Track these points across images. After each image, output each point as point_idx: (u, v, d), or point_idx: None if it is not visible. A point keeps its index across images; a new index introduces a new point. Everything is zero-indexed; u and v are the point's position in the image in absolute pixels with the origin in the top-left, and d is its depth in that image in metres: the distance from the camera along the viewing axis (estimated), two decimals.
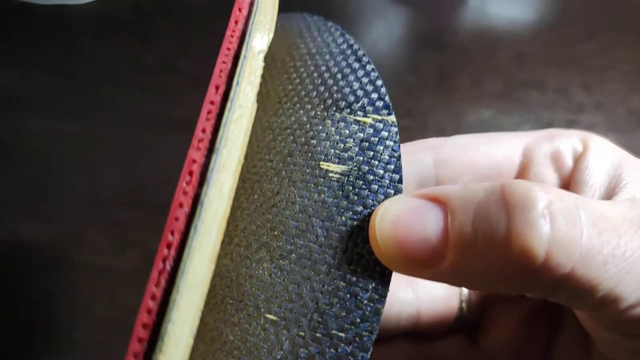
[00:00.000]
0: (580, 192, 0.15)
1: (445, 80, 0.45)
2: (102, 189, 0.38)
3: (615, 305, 0.11)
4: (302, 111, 0.14)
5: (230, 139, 0.12)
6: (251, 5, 0.14)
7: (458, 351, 0.18)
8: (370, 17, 0.51)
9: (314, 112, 0.14)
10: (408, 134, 0.40)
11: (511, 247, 0.10)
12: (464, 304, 0.19)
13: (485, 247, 0.11)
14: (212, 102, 0.12)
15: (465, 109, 0.42)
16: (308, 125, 0.13)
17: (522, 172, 0.16)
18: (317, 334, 0.11)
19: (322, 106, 0.14)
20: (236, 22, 0.13)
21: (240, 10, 0.14)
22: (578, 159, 0.16)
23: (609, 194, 0.14)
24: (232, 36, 0.13)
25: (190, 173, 0.11)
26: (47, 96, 0.44)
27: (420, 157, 0.17)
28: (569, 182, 0.16)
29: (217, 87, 0.12)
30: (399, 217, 0.12)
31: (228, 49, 0.13)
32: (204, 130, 0.12)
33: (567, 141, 0.16)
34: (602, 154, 0.15)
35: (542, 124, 0.41)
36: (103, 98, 0.43)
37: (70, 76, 0.45)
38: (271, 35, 0.14)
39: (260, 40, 0.13)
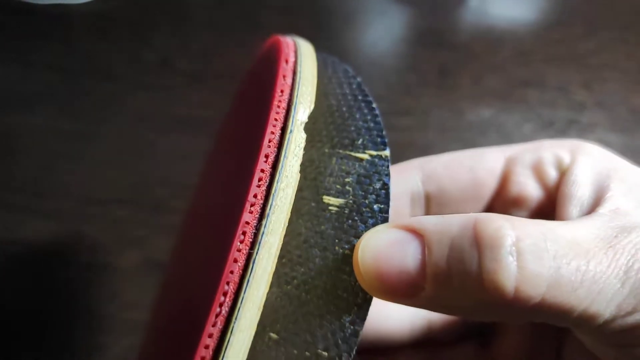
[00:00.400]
0: (566, 206, 0.15)
1: (446, 78, 0.45)
2: (101, 187, 0.38)
3: (593, 322, 0.12)
4: (313, 149, 0.15)
5: (278, 206, 0.14)
6: (294, 73, 0.15)
7: (469, 358, 0.19)
8: (372, 16, 0.51)
9: (322, 150, 0.15)
10: (408, 132, 0.40)
11: (483, 283, 0.11)
12: None
13: (460, 283, 0.11)
14: (262, 171, 0.14)
15: (465, 107, 0.42)
16: (317, 162, 0.15)
17: (504, 183, 0.17)
18: (307, 353, 0.13)
19: (330, 144, 0.15)
20: (282, 92, 0.15)
21: (284, 77, 0.15)
22: (565, 171, 0.16)
23: (594, 205, 0.14)
24: (278, 106, 0.14)
25: (244, 233, 0.13)
26: (46, 94, 0.44)
27: (409, 175, 0.18)
28: (554, 193, 0.16)
29: (266, 157, 0.14)
30: (380, 249, 0.12)
31: (276, 119, 0.14)
32: (255, 196, 0.13)
33: (551, 151, 0.16)
34: (589, 164, 0.15)
35: (542, 122, 0.41)
36: (102, 96, 0.43)
37: (70, 74, 0.45)
38: (312, 107, 0.15)
39: (303, 112, 0.15)
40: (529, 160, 0.17)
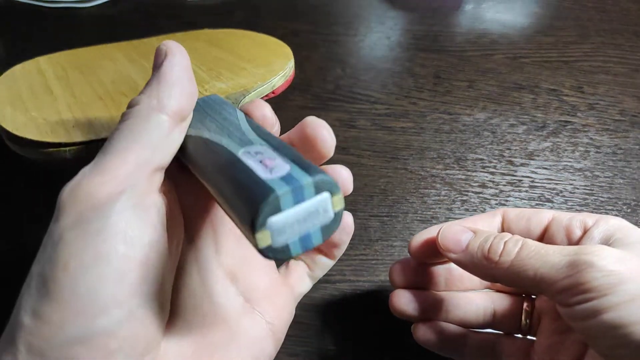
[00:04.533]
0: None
1: (442, 82, 0.46)
2: None
3: (548, 285, 0.20)
4: None
5: None
6: None
7: (518, 350, 0.26)
8: (369, 21, 0.52)
9: None
10: (405, 135, 0.41)
11: (488, 254, 0.23)
12: (525, 314, 0.27)
13: (480, 253, 0.23)
14: None
15: (461, 110, 0.43)
16: None
17: (544, 233, 0.25)
18: None
19: None
20: None
21: None
22: (587, 230, 0.23)
23: None
24: None
25: None
26: None
27: (495, 218, 0.27)
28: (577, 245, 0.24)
29: None
30: (452, 232, 0.24)
31: None
32: None
33: (581, 217, 0.24)
34: (604, 227, 0.23)
35: (536, 124, 0.42)
36: None
37: None
38: None
39: None
40: (565, 221, 0.24)
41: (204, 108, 0.21)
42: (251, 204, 0.15)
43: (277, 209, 0.15)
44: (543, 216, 0.25)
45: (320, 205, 0.16)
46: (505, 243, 0.22)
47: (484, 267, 0.22)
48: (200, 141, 0.19)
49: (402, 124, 0.42)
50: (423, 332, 0.26)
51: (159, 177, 0.18)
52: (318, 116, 0.22)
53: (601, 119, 0.43)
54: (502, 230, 0.26)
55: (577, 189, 0.37)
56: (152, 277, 0.17)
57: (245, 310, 0.22)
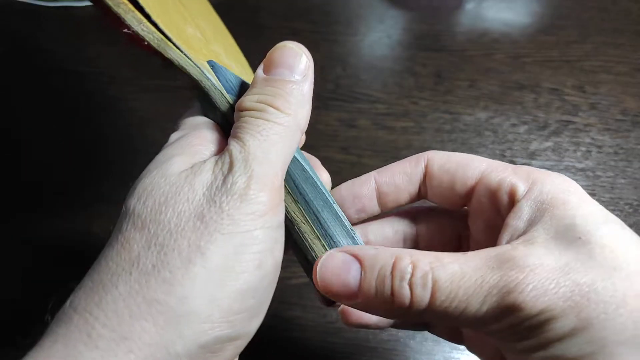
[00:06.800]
0: (502, 232, 0.19)
1: (443, 81, 0.45)
2: (104, 189, 0.38)
3: (466, 315, 0.17)
4: None
5: None
6: None
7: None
8: (370, 21, 0.52)
9: None
10: (406, 134, 0.41)
11: (394, 300, 0.17)
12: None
13: (381, 297, 0.18)
14: None
15: (462, 110, 0.43)
16: None
17: (470, 194, 0.21)
18: None
19: None
20: None
21: None
22: (515, 202, 0.19)
23: (524, 233, 0.18)
24: None
25: None
26: (50, 96, 0.44)
27: (421, 160, 0.22)
28: (505, 214, 0.19)
29: None
30: (332, 268, 0.18)
31: None
32: None
33: (511, 180, 0.20)
34: (535, 199, 0.19)
35: (537, 124, 0.42)
36: (106, 98, 0.44)
37: (74, 76, 0.45)
38: None
39: None
40: (493, 184, 0.20)
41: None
42: None
43: None
44: (470, 174, 0.21)
45: None
46: (411, 286, 0.17)
47: (391, 312, 0.18)
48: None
49: (403, 123, 0.42)
50: (355, 317, 0.24)
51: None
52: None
53: (603, 119, 0.43)
54: (424, 181, 0.22)
55: None
56: (268, 288, 0.17)
57: None
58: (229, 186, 0.16)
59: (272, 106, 0.18)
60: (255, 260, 0.16)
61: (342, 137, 0.40)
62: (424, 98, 0.44)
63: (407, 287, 0.17)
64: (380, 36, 0.50)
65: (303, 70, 0.19)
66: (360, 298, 0.18)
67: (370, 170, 0.23)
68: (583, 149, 0.40)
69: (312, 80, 0.19)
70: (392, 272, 0.17)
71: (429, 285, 0.17)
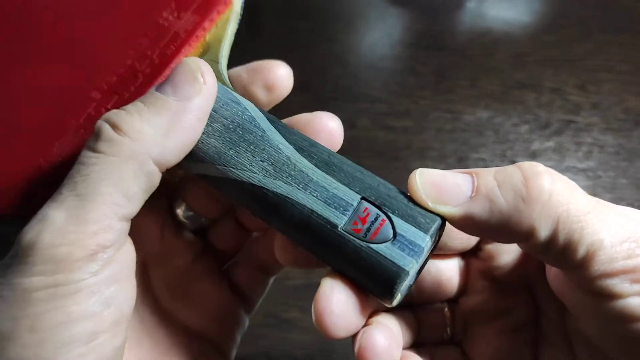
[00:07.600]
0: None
1: (444, 81, 0.45)
2: None
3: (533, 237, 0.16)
4: None
5: None
6: None
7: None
8: (370, 19, 0.52)
9: None
10: (407, 134, 0.41)
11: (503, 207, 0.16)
12: (447, 321, 0.22)
13: (493, 199, 0.16)
14: None
15: (463, 109, 0.43)
16: None
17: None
18: None
19: None
20: None
21: None
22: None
23: None
24: None
25: None
26: None
27: None
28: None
29: None
30: (447, 177, 0.17)
31: None
32: None
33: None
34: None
35: (539, 124, 0.42)
36: None
37: None
38: None
39: None
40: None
41: (218, 123, 0.18)
42: (382, 287, 0.16)
43: (406, 276, 0.16)
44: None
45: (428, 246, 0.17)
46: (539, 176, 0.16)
47: (508, 212, 0.16)
48: (239, 184, 0.17)
49: (403, 123, 0.42)
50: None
51: (128, 226, 0.16)
52: None
53: (605, 118, 0.42)
54: None
55: None
56: (123, 331, 0.16)
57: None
58: None
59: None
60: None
61: None
62: (424, 97, 0.44)
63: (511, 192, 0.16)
64: (380, 35, 0.50)
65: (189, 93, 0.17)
66: (476, 198, 0.16)
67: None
68: (585, 148, 0.40)
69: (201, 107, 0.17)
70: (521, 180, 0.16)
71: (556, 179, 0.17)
